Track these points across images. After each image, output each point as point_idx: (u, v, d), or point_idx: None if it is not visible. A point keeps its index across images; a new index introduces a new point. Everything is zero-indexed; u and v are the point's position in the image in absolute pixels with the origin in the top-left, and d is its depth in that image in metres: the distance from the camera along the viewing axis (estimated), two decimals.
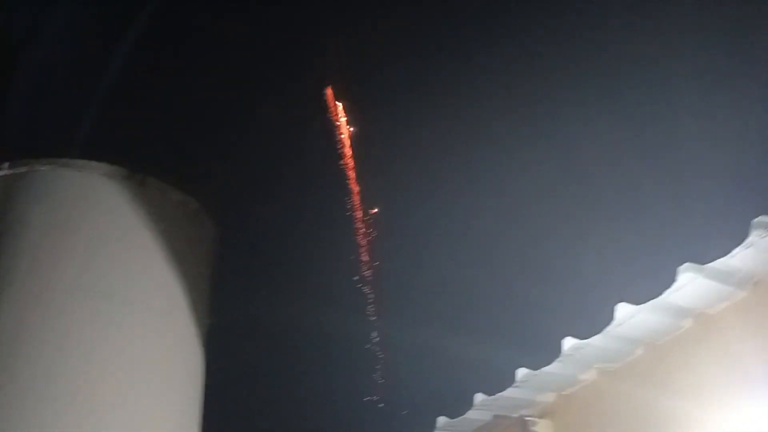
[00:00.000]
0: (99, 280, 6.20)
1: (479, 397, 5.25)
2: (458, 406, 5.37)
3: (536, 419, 5.45)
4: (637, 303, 4.46)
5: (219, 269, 7.64)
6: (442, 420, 5.56)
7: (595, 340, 4.70)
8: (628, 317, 4.55)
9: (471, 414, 5.38)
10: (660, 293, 4.35)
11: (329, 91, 22.77)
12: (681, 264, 4.21)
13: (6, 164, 6.72)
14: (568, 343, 4.73)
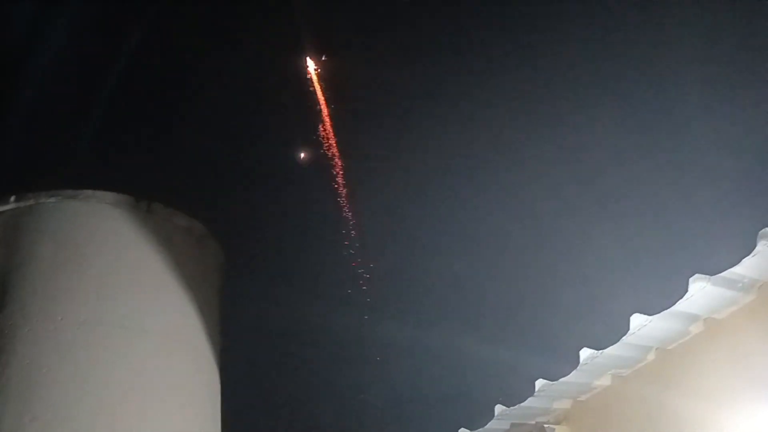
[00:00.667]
0: (113, 311, 6.22)
1: (499, 408, 5.42)
2: (479, 417, 5.53)
3: (553, 425, 5.65)
4: (650, 313, 4.66)
5: (228, 291, 7.73)
6: None
7: (611, 349, 4.90)
8: (642, 326, 4.76)
9: (491, 425, 5.55)
10: (672, 304, 4.56)
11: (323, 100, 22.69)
12: (691, 275, 4.41)
13: (12, 197, 6.72)
14: (585, 353, 4.93)
